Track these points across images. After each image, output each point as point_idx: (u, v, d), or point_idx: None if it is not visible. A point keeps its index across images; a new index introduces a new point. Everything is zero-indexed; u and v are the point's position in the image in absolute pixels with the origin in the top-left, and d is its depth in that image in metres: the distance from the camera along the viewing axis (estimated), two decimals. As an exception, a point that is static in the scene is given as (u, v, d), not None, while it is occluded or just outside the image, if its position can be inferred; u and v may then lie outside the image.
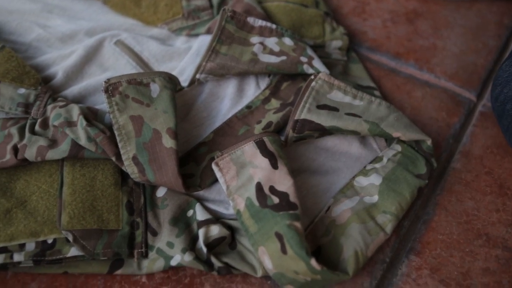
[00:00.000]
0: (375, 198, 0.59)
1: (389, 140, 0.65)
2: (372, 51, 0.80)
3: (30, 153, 0.57)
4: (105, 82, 0.59)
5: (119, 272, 0.55)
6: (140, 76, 0.61)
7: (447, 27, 0.84)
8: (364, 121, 0.60)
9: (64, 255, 0.54)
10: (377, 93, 0.72)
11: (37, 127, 0.60)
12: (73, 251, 0.54)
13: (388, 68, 0.78)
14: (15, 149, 0.58)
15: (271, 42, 0.68)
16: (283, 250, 0.51)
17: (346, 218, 0.57)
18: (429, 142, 0.62)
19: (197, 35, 0.76)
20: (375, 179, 0.61)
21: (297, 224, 0.52)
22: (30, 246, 0.54)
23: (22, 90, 0.62)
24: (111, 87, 0.59)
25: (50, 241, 0.55)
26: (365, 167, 0.63)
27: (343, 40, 0.76)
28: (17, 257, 0.53)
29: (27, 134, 0.59)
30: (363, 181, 0.61)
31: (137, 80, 0.61)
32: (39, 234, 0.55)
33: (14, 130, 0.60)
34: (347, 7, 0.87)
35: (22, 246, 0.54)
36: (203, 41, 0.73)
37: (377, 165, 0.63)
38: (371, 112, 0.62)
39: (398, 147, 0.64)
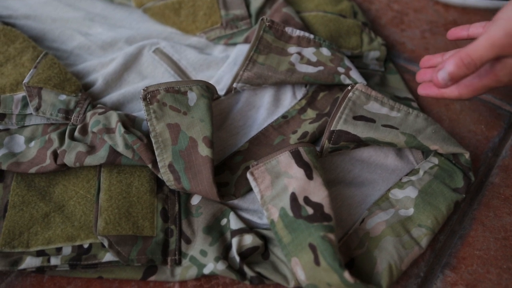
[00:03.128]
0: (411, 211, 0.59)
1: (426, 152, 0.65)
2: (410, 62, 0.79)
3: (69, 159, 0.58)
4: (143, 90, 0.60)
5: (152, 278, 0.55)
6: (178, 84, 0.62)
7: (488, 38, 0.83)
8: (401, 133, 0.60)
9: (100, 260, 0.55)
10: (414, 104, 0.71)
11: (76, 133, 0.61)
12: (108, 257, 0.55)
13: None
14: (55, 154, 0.59)
15: (309, 52, 0.68)
16: (317, 262, 0.51)
17: (380, 230, 0.57)
18: (467, 155, 0.61)
19: (234, 44, 0.76)
20: (411, 192, 0.60)
21: (331, 236, 0.51)
22: (67, 250, 0.55)
23: (63, 97, 0.64)
24: (149, 95, 0.60)
25: (86, 246, 0.56)
26: (401, 179, 0.62)
27: (381, 51, 0.76)
28: (54, 261, 0.54)
29: (66, 140, 0.60)
30: (398, 193, 0.61)
31: (174, 88, 0.61)
32: (75, 238, 0.56)
33: (54, 136, 0.61)
34: (385, 17, 0.87)
35: (59, 250, 0.55)
36: (240, 51, 0.74)
37: (413, 178, 0.62)
38: (408, 124, 0.61)
39: (435, 160, 0.63)
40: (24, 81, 0.64)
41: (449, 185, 0.61)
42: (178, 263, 0.56)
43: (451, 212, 0.59)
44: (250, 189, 0.60)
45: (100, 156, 0.58)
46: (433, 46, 0.81)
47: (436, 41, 0.82)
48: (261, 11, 0.79)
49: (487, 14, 0.86)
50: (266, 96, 0.69)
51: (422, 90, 0.66)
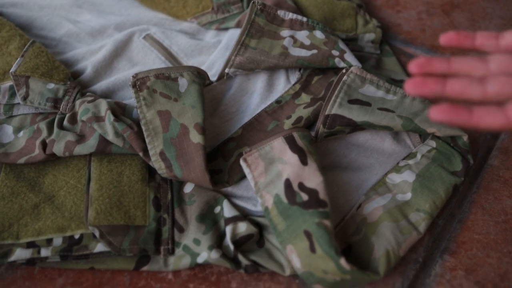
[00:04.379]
0: (408, 195, 0.58)
1: (423, 135, 0.63)
2: (407, 44, 0.78)
3: (58, 148, 0.57)
4: (133, 76, 0.59)
5: (145, 268, 0.54)
6: (168, 70, 0.60)
7: (485, 18, 0.81)
8: (397, 116, 0.58)
9: (91, 250, 0.54)
10: (411, 87, 0.69)
11: (65, 122, 0.60)
12: (100, 247, 0.54)
13: (423, 61, 0.75)
14: (44, 144, 0.58)
15: (302, 35, 0.66)
16: (312, 249, 0.49)
17: (377, 216, 0.56)
18: (465, 138, 0.60)
19: (226, 29, 0.75)
20: (408, 176, 0.59)
21: (327, 223, 0.50)
22: (58, 241, 0.54)
23: (52, 85, 0.62)
24: (139, 82, 0.59)
25: (77, 237, 0.54)
26: (398, 163, 0.61)
27: (376, 33, 0.75)
28: (45, 252, 0.53)
29: (55, 129, 0.59)
30: (395, 178, 0.60)
31: (165, 74, 0.60)
32: (66, 229, 0.54)
33: (43, 125, 0.60)
34: (380, -1, 0.85)
35: (49, 241, 0.54)
36: (232, 35, 0.72)
37: (411, 162, 0.61)
38: (405, 107, 0.60)
39: (433, 143, 0.62)
40: (11, 70, 0.62)
41: (447, 168, 0.60)
42: (171, 252, 0.55)
43: (450, 195, 0.58)
44: (243, 176, 0.59)
45: (89, 145, 0.57)
46: (430, 28, 0.80)
47: (432, 22, 0.81)
48: (253, -6, 0.77)
49: (484, -6, 0.85)
50: (259, 81, 0.68)
51: (440, 115, 0.44)
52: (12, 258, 0.53)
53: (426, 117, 0.59)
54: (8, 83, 0.62)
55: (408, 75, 0.73)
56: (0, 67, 0.64)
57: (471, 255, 0.56)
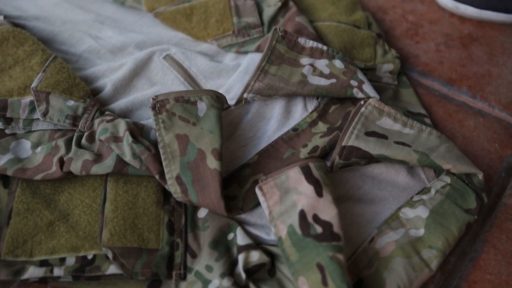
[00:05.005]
0: (421, 231, 0.58)
1: (438, 170, 0.63)
2: (424, 76, 0.78)
3: (75, 167, 0.57)
4: (152, 98, 0.59)
5: (156, 293, 0.54)
6: (188, 94, 0.61)
7: (504, 53, 0.82)
8: (414, 151, 0.58)
9: (103, 272, 0.54)
10: (427, 120, 0.70)
11: (83, 141, 0.60)
12: (112, 269, 0.54)
13: (440, 94, 0.76)
14: (61, 162, 0.58)
15: (322, 64, 0.66)
16: (324, 282, 0.50)
17: (390, 251, 0.56)
18: (480, 176, 0.60)
19: (246, 52, 0.75)
20: (422, 212, 0.59)
21: (340, 257, 0.50)
22: (70, 260, 0.54)
23: (71, 102, 0.63)
24: (158, 104, 0.59)
25: (90, 257, 0.55)
26: (412, 198, 0.61)
27: (395, 64, 0.75)
28: (57, 272, 0.53)
29: (73, 147, 0.59)
30: (409, 212, 0.60)
31: (184, 98, 0.60)
32: (79, 249, 0.55)
33: (61, 142, 0.60)
34: (400, 29, 0.85)
35: (62, 260, 0.54)
36: (252, 59, 0.73)
37: (425, 197, 0.61)
38: (421, 142, 0.60)
39: (447, 179, 0.62)
40: (32, 85, 0.63)
41: (461, 205, 0.60)
42: (183, 278, 0.55)
43: (463, 233, 0.58)
44: (258, 204, 0.59)
45: (106, 165, 0.57)
46: (448, 60, 0.80)
47: (451, 54, 0.81)
48: (274, 19, 0.78)
49: (504, 28, 0.85)
50: (276, 108, 0.68)
51: None
52: (25, 276, 0.53)
53: (442, 153, 0.59)
54: (28, 98, 0.63)
55: (425, 107, 0.73)
56: (21, 82, 0.64)
57: (482, 295, 0.56)
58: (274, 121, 0.67)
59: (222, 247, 0.56)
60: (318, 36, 0.74)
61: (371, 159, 0.60)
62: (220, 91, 0.70)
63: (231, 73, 0.73)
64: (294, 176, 0.56)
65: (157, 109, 0.59)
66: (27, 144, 0.62)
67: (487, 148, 0.69)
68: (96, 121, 0.61)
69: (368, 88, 0.66)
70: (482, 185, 0.60)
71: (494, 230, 0.61)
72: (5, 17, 0.75)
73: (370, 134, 0.60)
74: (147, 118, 0.67)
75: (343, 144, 0.59)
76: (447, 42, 0.83)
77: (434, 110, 0.73)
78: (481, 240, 0.61)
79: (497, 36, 0.84)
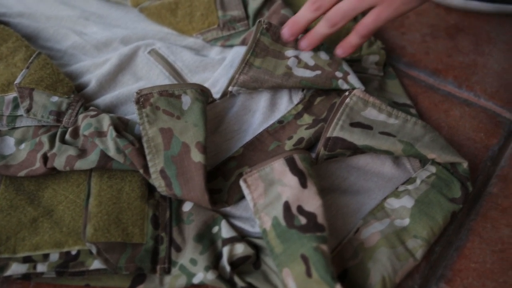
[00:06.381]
0: (406, 221, 0.58)
1: (423, 160, 0.63)
2: (410, 67, 0.78)
3: (59, 162, 0.57)
4: (136, 93, 0.59)
5: (140, 287, 0.54)
6: (172, 87, 0.61)
7: (489, 43, 0.82)
8: (399, 141, 0.58)
9: (87, 267, 0.54)
10: (413, 111, 0.70)
11: (67, 136, 0.60)
12: (96, 264, 0.54)
13: (426, 85, 0.75)
14: (45, 158, 0.58)
15: (306, 56, 0.66)
16: (308, 273, 0.50)
17: (375, 241, 0.56)
18: (465, 165, 0.60)
19: (231, 46, 0.75)
20: (407, 202, 0.59)
21: (324, 247, 0.50)
22: (54, 256, 0.54)
23: (55, 98, 0.63)
24: (142, 98, 0.59)
25: (74, 253, 0.54)
26: (397, 188, 0.61)
27: (380, 55, 0.75)
28: (41, 268, 0.53)
29: (57, 143, 0.59)
30: (394, 203, 0.60)
31: (168, 91, 0.60)
32: (63, 245, 0.55)
33: (44, 139, 0.60)
34: (386, 20, 0.85)
35: (46, 256, 0.54)
36: (237, 53, 0.73)
37: (410, 187, 0.61)
38: (406, 132, 0.60)
39: (433, 169, 0.62)
40: (15, 82, 0.63)
41: (446, 195, 0.60)
42: (168, 271, 0.55)
43: (448, 223, 0.58)
44: (242, 196, 0.59)
45: (90, 160, 0.57)
46: (434, 50, 0.80)
47: (437, 45, 0.81)
48: (259, 12, 0.78)
49: (489, 18, 0.85)
50: (262, 100, 0.68)
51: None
52: (8, 272, 0.53)
53: (427, 143, 0.59)
54: (12, 95, 0.63)
55: (411, 98, 0.73)
56: (5, 78, 0.64)
57: (467, 284, 0.56)
58: (260, 113, 0.67)
59: (207, 240, 0.56)
60: (303, 29, 0.74)
61: (356, 150, 0.60)
62: (206, 85, 0.70)
63: (217, 67, 0.73)
64: (278, 168, 0.56)
65: (141, 103, 0.59)
66: (10, 140, 0.62)
67: (472, 137, 0.69)
68: (80, 117, 0.61)
69: (353, 79, 0.66)
70: (467, 174, 0.60)
71: (479, 219, 0.61)
72: (-11, 14, 0.75)
73: (355, 125, 0.60)
74: (132, 113, 0.67)
75: (327, 135, 0.59)
76: (433, 33, 0.83)
77: (420, 100, 0.73)
78: (466, 229, 0.61)
79: (482, 26, 0.84)
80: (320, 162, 0.60)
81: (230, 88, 0.65)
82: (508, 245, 0.59)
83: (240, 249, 0.54)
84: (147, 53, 0.73)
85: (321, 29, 0.63)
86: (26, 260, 0.54)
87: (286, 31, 0.65)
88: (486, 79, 0.76)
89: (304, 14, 0.63)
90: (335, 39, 0.73)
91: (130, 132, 0.60)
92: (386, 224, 0.57)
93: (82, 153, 0.58)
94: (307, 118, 0.66)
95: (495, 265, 0.58)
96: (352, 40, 0.64)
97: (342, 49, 0.65)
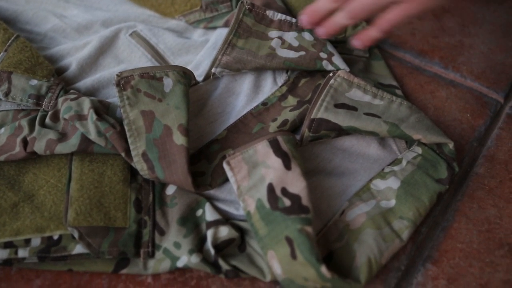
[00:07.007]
0: (392, 202, 0.57)
1: (409, 141, 0.63)
2: (396, 48, 0.77)
3: (39, 147, 0.56)
4: (117, 75, 0.58)
5: (124, 271, 0.53)
6: (154, 70, 0.60)
7: (476, 24, 0.81)
8: (384, 122, 0.58)
9: (69, 252, 0.53)
10: (399, 92, 0.69)
11: (47, 120, 0.59)
12: (78, 249, 0.53)
13: (412, 66, 0.75)
14: (25, 142, 0.57)
15: (290, 36, 0.65)
16: (293, 256, 0.49)
17: (360, 223, 0.55)
18: (451, 145, 0.59)
19: (215, 28, 0.74)
20: (393, 183, 0.59)
21: (309, 229, 0.50)
22: (36, 241, 0.53)
23: (34, 82, 0.61)
24: (123, 81, 0.58)
25: (55, 237, 0.54)
26: (383, 169, 0.61)
27: (366, 36, 0.74)
28: (22, 253, 0.52)
29: (37, 126, 0.58)
30: (380, 184, 0.59)
31: (150, 74, 0.59)
32: (45, 229, 0.54)
33: (24, 122, 0.59)
34: (371, 1, 0.84)
35: (27, 242, 0.53)
36: (220, 34, 0.72)
37: (396, 168, 0.60)
38: (391, 113, 0.59)
39: (419, 150, 0.61)
40: None
41: (432, 175, 0.59)
42: (151, 255, 0.54)
43: (434, 203, 0.58)
44: (227, 179, 0.58)
45: (71, 143, 0.56)
46: (420, 31, 0.79)
47: (423, 26, 0.80)
48: (242, -7, 0.76)
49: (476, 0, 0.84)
50: (246, 82, 0.67)
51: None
52: (-12, 258, 0.52)
53: (412, 123, 0.58)
54: (-10, 79, 0.61)
55: (397, 79, 0.72)
56: (-18, 62, 0.63)
57: (453, 264, 0.56)
58: (243, 96, 0.66)
59: (191, 223, 0.55)
60: (287, 10, 0.73)
61: (341, 132, 0.59)
62: (189, 67, 0.69)
63: (200, 49, 0.72)
64: (262, 149, 0.55)
65: (121, 85, 0.58)
66: (-11, 125, 0.60)
67: (458, 118, 0.69)
68: (60, 100, 0.60)
69: (337, 60, 0.65)
70: (453, 154, 0.60)
71: (466, 199, 0.61)
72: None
73: (339, 106, 0.59)
74: (114, 96, 0.66)
75: (312, 116, 0.58)
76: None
77: (406, 81, 0.73)
78: (452, 209, 0.60)
79: (469, 7, 0.83)
80: (304, 144, 0.60)
81: (213, 70, 0.64)
82: (495, 225, 0.59)
83: (225, 232, 0.54)
84: (129, 36, 0.72)
85: (341, 19, 0.61)
86: (7, 245, 0.53)
87: (305, 19, 0.64)
88: (472, 60, 0.76)
89: (324, 3, 0.62)
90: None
91: (111, 115, 0.59)
92: (372, 205, 0.57)
93: (63, 136, 0.57)
94: (291, 100, 0.65)
95: (481, 245, 0.57)
96: (372, 33, 0.62)
97: (360, 41, 0.64)
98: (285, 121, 0.62)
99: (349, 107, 0.59)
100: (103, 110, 0.58)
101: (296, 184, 0.53)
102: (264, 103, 0.65)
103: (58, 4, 0.77)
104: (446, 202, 0.61)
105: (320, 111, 0.58)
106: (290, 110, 0.63)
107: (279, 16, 0.66)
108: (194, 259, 0.52)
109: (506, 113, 0.70)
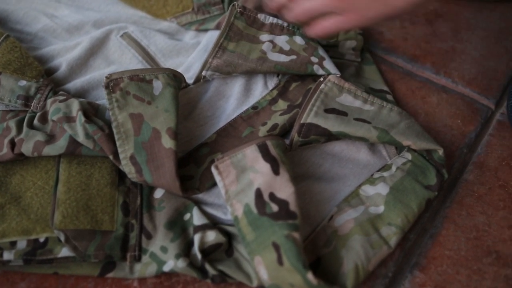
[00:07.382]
0: (381, 208, 0.57)
1: (399, 147, 0.63)
2: (388, 53, 0.77)
3: (27, 148, 0.56)
4: (106, 77, 0.58)
5: (110, 275, 0.53)
6: (143, 72, 0.59)
7: (468, 29, 0.81)
8: (373, 128, 0.58)
9: (55, 255, 0.53)
10: (389, 97, 0.69)
11: (35, 121, 0.58)
12: (64, 252, 0.53)
13: (404, 71, 0.75)
14: (12, 143, 0.57)
15: (282, 40, 0.65)
16: (280, 261, 0.49)
17: (349, 229, 0.55)
18: (441, 152, 0.59)
19: (206, 30, 0.74)
20: (382, 189, 0.58)
21: (296, 235, 0.50)
22: (22, 244, 0.53)
23: (23, 82, 0.61)
24: (112, 83, 0.57)
25: (42, 240, 0.53)
26: (372, 175, 0.61)
27: (358, 40, 0.74)
28: (7, 255, 0.52)
29: (24, 128, 0.57)
30: (369, 190, 0.59)
31: (139, 76, 0.59)
32: (31, 232, 0.53)
33: (12, 124, 0.58)
34: (364, 6, 0.84)
35: (13, 244, 0.53)
36: (212, 37, 0.71)
37: (385, 174, 0.60)
38: (382, 118, 0.59)
39: (408, 155, 0.61)
40: None
41: (421, 182, 0.59)
42: (138, 259, 0.54)
43: (423, 210, 0.58)
44: (215, 183, 0.58)
45: (59, 146, 0.56)
46: (412, 36, 0.79)
47: (415, 31, 0.80)
48: (234, -4, 0.76)
49: (468, 4, 0.84)
50: (236, 86, 0.67)
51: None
52: (-27, 260, 0.51)
53: (402, 130, 0.58)
54: (-22, 79, 0.61)
55: (388, 84, 0.72)
56: (-29, 62, 0.62)
57: (441, 272, 0.56)
58: (234, 99, 0.66)
59: (178, 227, 0.55)
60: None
61: (331, 137, 0.59)
62: (180, 70, 0.68)
63: (191, 52, 0.71)
64: (250, 154, 0.55)
65: (110, 88, 0.57)
66: (-23, 126, 0.60)
67: (449, 124, 0.69)
68: (49, 101, 0.59)
69: (329, 64, 0.65)
70: (443, 161, 0.59)
71: (455, 206, 0.61)
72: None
73: (329, 111, 0.59)
74: (104, 98, 0.65)
75: (301, 121, 0.58)
76: (412, 19, 0.82)
77: (397, 86, 0.72)
78: (441, 216, 0.60)
79: (461, 12, 0.83)
80: (294, 149, 0.60)
81: (203, 73, 0.64)
82: (483, 233, 0.59)
83: (212, 236, 0.53)
84: (120, 37, 0.72)
85: (288, 17, 0.64)
86: (-8, 248, 0.52)
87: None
88: (464, 65, 0.76)
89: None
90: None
91: (100, 117, 0.58)
92: (361, 211, 0.57)
93: (51, 138, 0.57)
94: (281, 104, 0.65)
95: (469, 253, 0.57)
96: (306, 31, 0.64)
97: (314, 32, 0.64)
98: (275, 125, 0.62)
99: (339, 112, 0.59)
100: (92, 112, 0.58)
101: (284, 189, 0.53)
102: (254, 107, 0.64)
103: (49, 4, 0.77)
104: (435, 209, 0.61)
105: (310, 116, 0.58)
106: (280, 114, 0.63)
107: (270, 19, 0.66)
108: (181, 264, 0.52)
109: (497, 120, 0.70)
